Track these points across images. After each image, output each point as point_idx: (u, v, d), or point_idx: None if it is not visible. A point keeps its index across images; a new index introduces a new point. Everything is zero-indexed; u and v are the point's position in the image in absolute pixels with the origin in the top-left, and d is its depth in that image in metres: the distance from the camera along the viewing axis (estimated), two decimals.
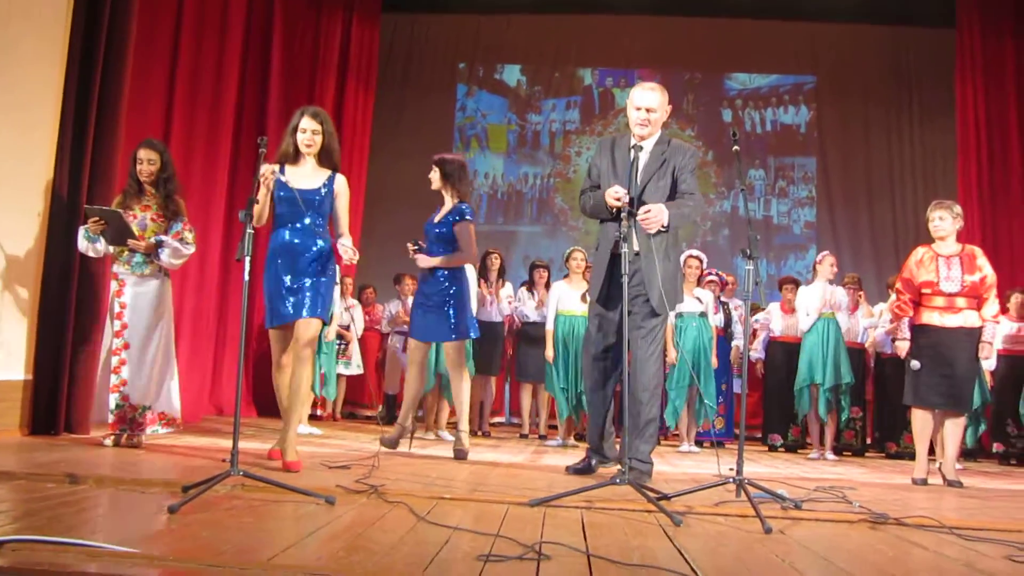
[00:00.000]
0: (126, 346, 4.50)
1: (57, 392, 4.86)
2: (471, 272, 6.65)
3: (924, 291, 4.84)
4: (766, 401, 7.65)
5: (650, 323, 4.06)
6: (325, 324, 4.12)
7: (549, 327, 6.56)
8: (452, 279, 5.00)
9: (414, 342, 5.12)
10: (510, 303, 7.41)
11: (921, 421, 4.86)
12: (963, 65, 9.10)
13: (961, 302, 4.76)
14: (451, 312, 4.97)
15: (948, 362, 4.72)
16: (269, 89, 8.19)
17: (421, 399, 6.80)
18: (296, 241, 3.95)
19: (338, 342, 7.57)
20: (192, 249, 4.64)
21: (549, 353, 6.49)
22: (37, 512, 2.48)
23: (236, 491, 3.04)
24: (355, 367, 8.15)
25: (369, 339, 8.56)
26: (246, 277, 3.23)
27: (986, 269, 4.81)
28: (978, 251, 4.89)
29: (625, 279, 3.44)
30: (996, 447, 7.21)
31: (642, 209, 3.81)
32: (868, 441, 7.64)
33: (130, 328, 4.50)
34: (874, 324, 7.38)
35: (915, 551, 2.62)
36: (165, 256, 4.51)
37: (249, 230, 3.19)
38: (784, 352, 7.35)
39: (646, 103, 4.08)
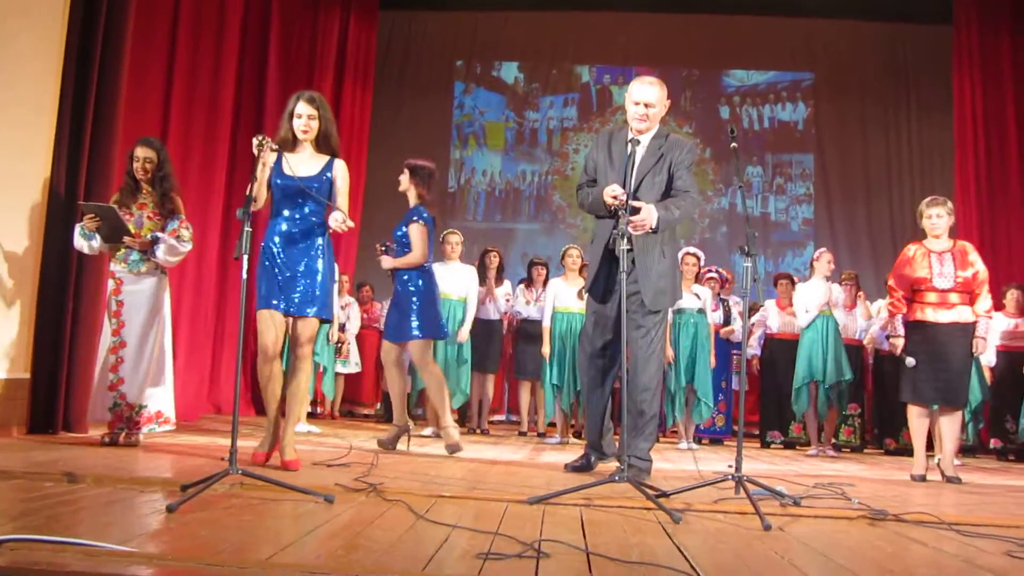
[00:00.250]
0: (123, 344, 4.49)
1: (55, 391, 4.85)
2: (469, 271, 6.66)
3: (917, 288, 4.84)
4: (763, 398, 7.65)
5: (649, 321, 4.04)
6: (327, 323, 4.05)
7: (546, 324, 6.57)
8: (414, 279, 5.12)
9: (387, 343, 5.23)
10: (508, 301, 7.41)
11: (917, 418, 4.87)
12: (960, 62, 9.11)
13: (954, 298, 4.77)
14: (413, 311, 5.08)
15: (943, 357, 4.73)
16: (266, 87, 8.18)
17: (419, 397, 6.81)
18: (295, 231, 3.86)
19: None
20: (189, 246, 4.62)
21: (546, 350, 6.50)
22: (35, 511, 2.48)
23: (235, 490, 3.04)
24: (353, 365, 8.15)
25: (367, 337, 8.54)
26: (244, 275, 3.22)
27: (978, 264, 4.82)
28: (969, 246, 4.91)
29: (623, 276, 3.42)
30: (994, 443, 7.22)
31: (630, 216, 3.68)
32: (867, 438, 7.66)
33: (127, 326, 4.49)
34: (874, 322, 7.40)
35: (914, 547, 2.62)
36: (161, 253, 4.50)
37: (247, 228, 3.17)
38: (780, 349, 7.35)
39: (645, 98, 4.05)
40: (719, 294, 7.43)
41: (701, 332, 6.67)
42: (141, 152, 4.58)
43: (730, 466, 3.45)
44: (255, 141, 3.61)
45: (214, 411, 7.43)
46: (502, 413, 9.03)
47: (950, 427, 4.83)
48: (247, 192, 3.45)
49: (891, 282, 4.99)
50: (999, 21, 8.96)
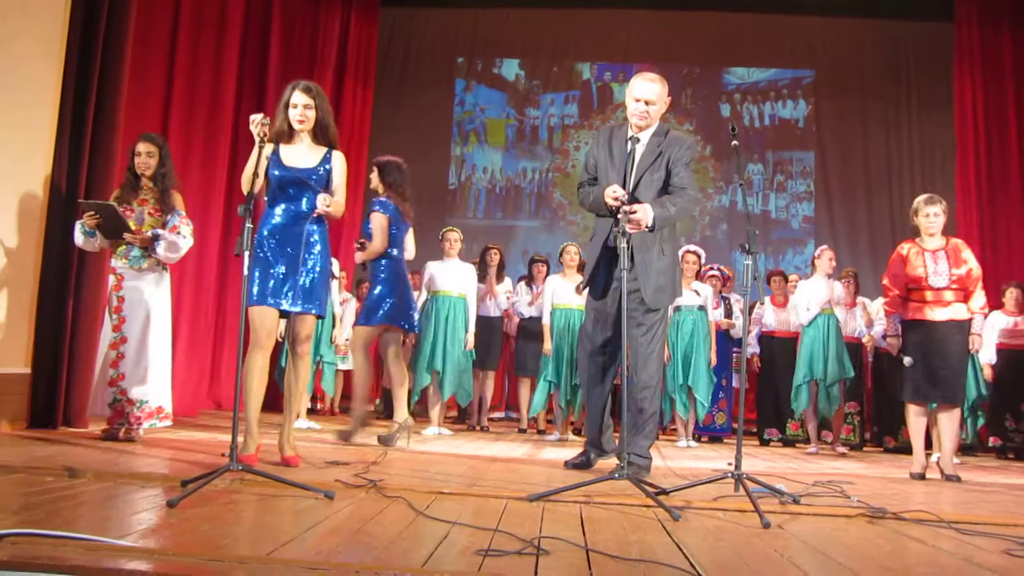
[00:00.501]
0: (124, 340, 4.50)
1: (55, 386, 4.86)
2: (468, 269, 6.64)
3: (913, 287, 4.84)
4: (759, 396, 7.64)
5: (649, 319, 4.03)
6: (321, 318, 3.98)
7: (546, 321, 6.57)
8: (377, 269, 5.33)
9: (356, 328, 5.48)
10: (509, 298, 7.42)
11: (915, 416, 4.87)
12: (961, 59, 9.10)
13: (949, 295, 4.77)
14: (374, 298, 5.28)
15: (941, 355, 4.73)
16: (267, 83, 8.18)
17: (423, 394, 6.78)
18: (291, 225, 3.76)
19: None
20: (189, 243, 4.63)
21: (547, 346, 6.50)
22: (36, 506, 2.48)
23: (235, 485, 3.04)
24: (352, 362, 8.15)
25: None
26: (245, 272, 3.23)
27: (971, 262, 4.82)
28: (962, 244, 4.89)
29: (624, 275, 3.40)
30: (993, 441, 7.22)
31: (624, 208, 3.67)
32: (866, 436, 7.66)
33: (127, 322, 4.51)
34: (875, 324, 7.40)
35: (913, 545, 2.62)
36: (161, 250, 4.50)
37: (248, 225, 3.16)
38: (776, 347, 7.35)
39: (645, 95, 4.03)
40: (720, 292, 7.44)
41: (700, 329, 6.66)
42: (143, 147, 4.59)
43: (730, 464, 3.45)
44: (256, 119, 3.47)
45: (214, 407, 7.44)
46: (502, 410, 9.03)
47: (949, 425, 4.83)
48: (248, 188, 3.44)
49: (886, 281, 4.99)
50: (1000, 18, 8.96)
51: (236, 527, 2.37)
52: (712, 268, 7.49)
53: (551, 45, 11.33)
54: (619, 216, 3.62)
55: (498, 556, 2.09)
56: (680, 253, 6.40)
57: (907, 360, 4.80)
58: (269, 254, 3.75)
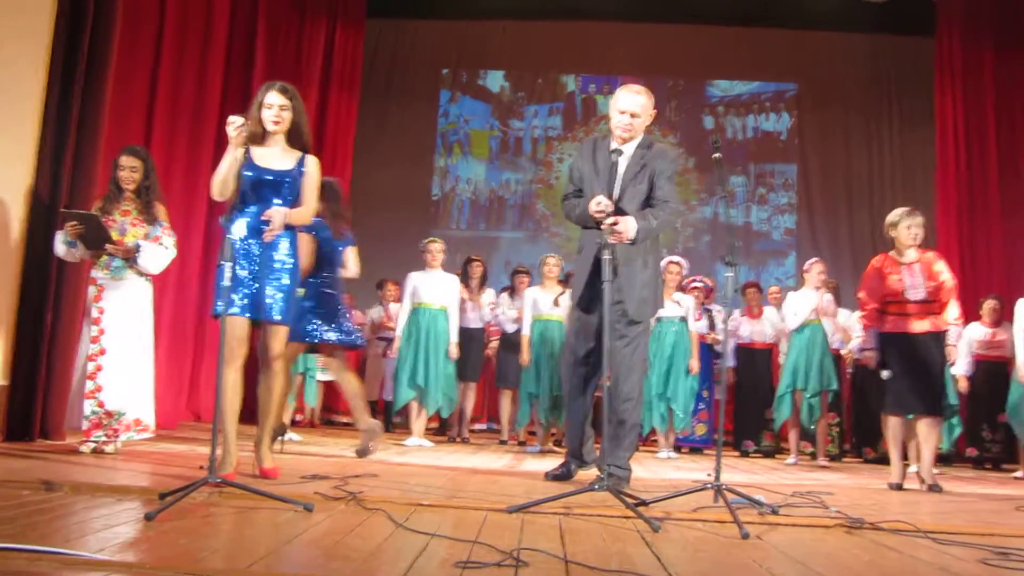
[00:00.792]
0: (103, 351, 4.46)
1: (32, 398, 4.81)
2: (451, 280, 6.64)
3: (890, 300, 4.86)
4: (736, 407, 7.65)
5: (632, 331, 4.05)
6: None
7: (525, 332, 6.56)
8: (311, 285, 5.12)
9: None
10: (492, 309, 7.42)
11: (893, 427, 4.90)
12: (942, 74, 9.18)
13: (926, 307, 4.81)
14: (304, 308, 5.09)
15: (922, 366, 4.76)
16: (252, 95, 8.08)
17: (405, 406, 6.73)
18: (261, 229, 3.56)
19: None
20: (172, 254, 4.61)
21: (524, 357, 6.48)
22: (12, 520, 2.46)
23: (214, 498, 3.02)
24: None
25: None
26: (226, 283, 3.22)
27: (945, 274, 4.86)
28: (934, 256, 4.93)
29: (608, 286, 3.40)
30: (970, 452, 7.28)
31: (608, 221, 3.71)
32: (846, 447, 7.70)
33: (107, 333, 4.47)
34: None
35: (890, 555, 2.64)
36: (143, 260, 4.48)
37: (229, 236, 3.16)
38: (750, 358, 7.39)
39: (630, 107, 4.04)
40: (703, 303, 7.46)
41: (681, 341, 6.66)
42: (126, 161, 4.57)
43: (709, 475, 3.47)
44: (235, 121, 3.41)
45: (193, 419, 7.40)
46: (484, 421, 9.02)
47: (928, 434, 4.86)
48: (219, 192, 3.41)
49: (862, 295, 5.00)
50: (981, 34, 9.04)
51: (214, 540, 2.36)
52: (695, 280, 7.52)
53: (536, 57, 11.37)
54: (602, 227, 3.64)
55: (477, 568, 2.09)
56: (663, 264, 6.43)
57: (885, 373, 4.84)
58: (236, 259, 3.59)
